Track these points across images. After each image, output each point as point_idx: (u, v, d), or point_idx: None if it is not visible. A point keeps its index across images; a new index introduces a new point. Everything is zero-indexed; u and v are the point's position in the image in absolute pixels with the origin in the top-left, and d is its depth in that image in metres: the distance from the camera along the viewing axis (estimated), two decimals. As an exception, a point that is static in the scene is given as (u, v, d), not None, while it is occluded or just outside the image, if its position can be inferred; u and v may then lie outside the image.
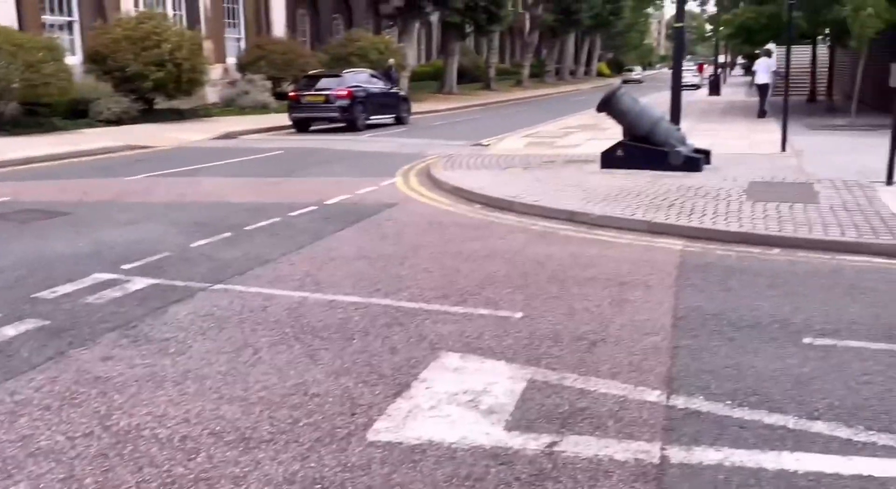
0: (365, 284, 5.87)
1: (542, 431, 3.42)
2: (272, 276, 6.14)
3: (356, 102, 20.36)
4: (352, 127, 20.45)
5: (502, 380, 3.99)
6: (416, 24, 35.55)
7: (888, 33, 17.60)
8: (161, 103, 22.55)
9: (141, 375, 4.11)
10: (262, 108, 25.38)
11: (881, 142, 12.94)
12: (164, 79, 20.72)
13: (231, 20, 29.67)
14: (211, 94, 25.81)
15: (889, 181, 9.76)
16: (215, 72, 25.95)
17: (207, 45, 26.05)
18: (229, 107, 25.25)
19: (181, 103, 23.09)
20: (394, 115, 22.70)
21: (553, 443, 3.31)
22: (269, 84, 26.33)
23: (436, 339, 4.63)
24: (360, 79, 21.38)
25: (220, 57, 28.03)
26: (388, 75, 25.95)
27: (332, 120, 20.54)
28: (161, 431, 3.46)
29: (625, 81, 57.37)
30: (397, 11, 32.92)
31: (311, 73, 22.84)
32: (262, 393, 3.88)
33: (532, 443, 3.31)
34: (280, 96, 27.29)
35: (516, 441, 3.33)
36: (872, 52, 19.17)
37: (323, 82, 20.61)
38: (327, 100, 20.03)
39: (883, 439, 3.33)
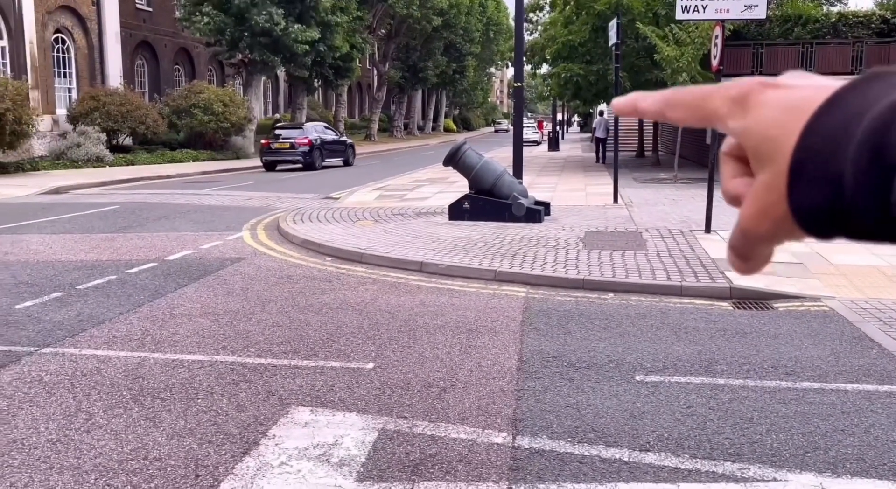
0: (210, 342, 5.69)
1: (394, 480, 3.44)
2: (108, 337, 5.82)
3: (314, 149, 25.00)
4: (310, 168, 24.76)
5: (353, 432, 3.98)
6: (262, 77, 35.34)
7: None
8: (-19, 156, 21.01)
9: (-44, 450, 3.76)
10: (97, 161, 24.15)
11: (700, 193, 14.19)
12: (-15, 130, 19.32)
13: (61, 70, 28.22)
14: (38, 147, 24.27)
15: (707, 229, 10.69)
16: (43, 123, 24.47)
17: (34, 96, 24.60)
18: (59, 160, 23.83)
19: (5, 157, 21.56)
20: (342, 159, 27.24)
21: (404, 491, 3.33)
22: (103, 136, 25.14)
23: (285, 395, 4.56)
24: (317, 129, 26.25)
25: (50, 108, 26.51)
26: None
27: (295, 162, 24.90)
28: (-21, 510, 3.18)
29: (496, 130, 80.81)
30: (242, 64, 32.57)
31: (279, 125, 27.90)
32: (97, 460, 3.65)
33: (383, 492, 3.33)
34: (116, 149, 26.09)
35: (367, 491, 3.33)
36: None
37: (287, 132, 25.36)
38: (292, 146, 24.52)
39: (705, 465, 3.61)
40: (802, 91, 0.43)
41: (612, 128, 29.13)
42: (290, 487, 3.36)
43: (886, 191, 0.38)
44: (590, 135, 53.43)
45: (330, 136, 26.74)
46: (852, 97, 0.40)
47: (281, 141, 24.85)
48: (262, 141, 25.67)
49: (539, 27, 32.50)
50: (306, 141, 24.69)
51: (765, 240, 0.45)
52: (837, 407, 4.39)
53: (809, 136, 0.41)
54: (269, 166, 25.21)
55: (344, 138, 28.32)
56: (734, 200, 0.47)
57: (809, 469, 3.59)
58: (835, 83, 0.43)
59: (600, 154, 28.67)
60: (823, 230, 0.42)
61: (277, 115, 47.79)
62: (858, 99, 0.40)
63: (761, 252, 0.47)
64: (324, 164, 25.60)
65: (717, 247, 9.52)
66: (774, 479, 3.48)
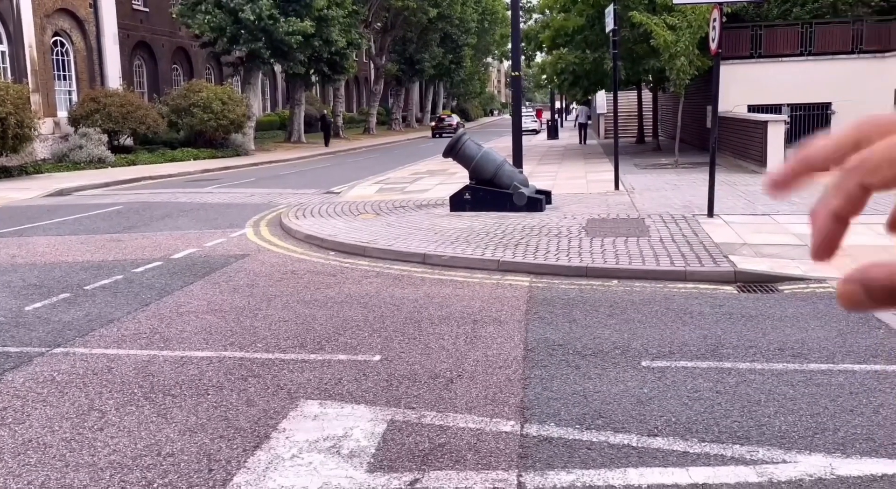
0: (217, 338, 5.73)
1: (404, 470, 3.47)
2: (117, 336, 5.85)
3: (457, 126, 44.83)
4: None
5: (363, 424, 4.02)
6: (260, 74, 35.34)
7: (703, 78, 19.40)
8: (-16, 160, 21.04)
9: (-29, 451, 3.80)
10: (99, 163, 24.16)
11: (702, 178, 14.19)
12: (-13, 134, 19.32)
13: (62, 72, 28.20)
14: (41, 150, 24.27)
15: (710, 214, 10.69)
16: (45, 126, 24.47)
17: (35, 99, 24.59)
18: (62, 162, 23.84)
19: (7, 160, 21.56)
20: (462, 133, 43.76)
21: (415, 481, 3.37)
22: (105, 137, 25.13)
23: (294, 388, 4.59)
24: (456, 118, 50.74)
25: (51, 111, 26.50)
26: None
27: (450, 134, 40.63)
28: (-3, 509, 3.21)
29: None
30: (239, 61, 32.54)
31: (439, 115, 54.38)
32: (111, 457, 3.69)
33: (394, 482, 3.36)
34: (118, 149, 26.09)
35: (378, 481, 3.36)
36: (690, 96, 21.05)
37: (445, 120, 49.64)
38: (450, 125, 47.14)
39: (714, 449, 3.64)
40: None
41: (591, 115, 37.45)
42: (302, 479, 3.40)
43: None
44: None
45: (458, 121, 50.25)
46: None
47: (444, 123, 48.55)
48: (432, 124, 50.98)
49: (534, 15, 32.64)
50: (454, 123, 48.19)
51: None
52: (846, 387, 4.41)
53: None
54: (434, 135, 47.02)
55: (461, 121, 52.87)
56: None
57: (819, 450, 3.61)
58: None
59: (583, 136, 34.30)
60: None
61: (276, 111, 47.84)
62: None
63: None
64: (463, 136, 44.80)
65: (720, 231, 9.53)
66: (784, 461, 3.50)
